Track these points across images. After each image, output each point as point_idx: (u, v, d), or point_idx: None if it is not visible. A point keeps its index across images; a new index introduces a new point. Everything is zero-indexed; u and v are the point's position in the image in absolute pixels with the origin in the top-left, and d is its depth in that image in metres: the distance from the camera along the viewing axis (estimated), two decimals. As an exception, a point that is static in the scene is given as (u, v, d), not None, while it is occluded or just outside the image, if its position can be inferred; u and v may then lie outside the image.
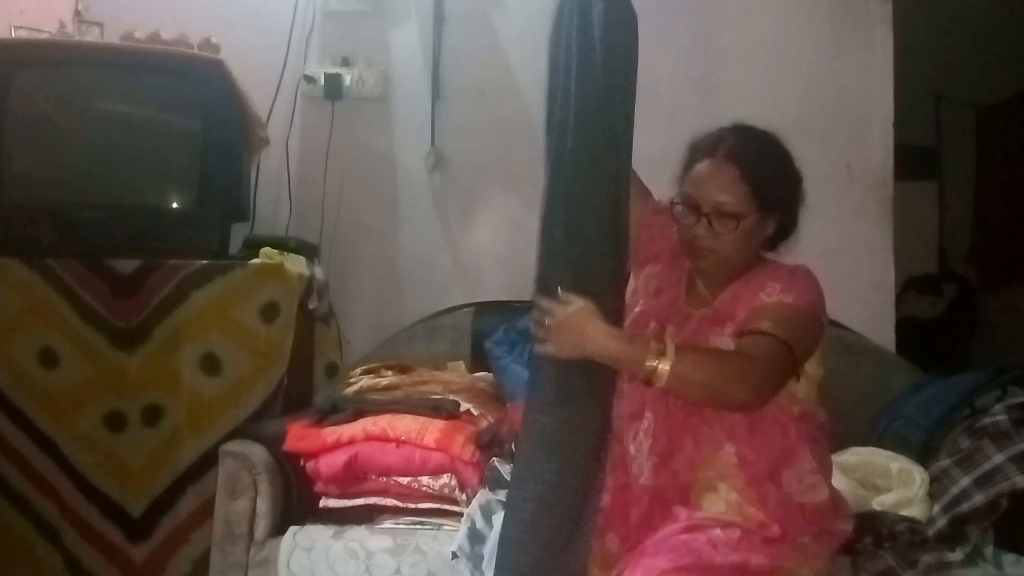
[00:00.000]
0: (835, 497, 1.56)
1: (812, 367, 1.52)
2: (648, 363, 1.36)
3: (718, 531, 1.44)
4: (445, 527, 1.84)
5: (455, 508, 1.87)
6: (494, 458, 1.83)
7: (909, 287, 3.90)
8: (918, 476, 1.88)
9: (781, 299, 1.47)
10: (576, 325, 1.39)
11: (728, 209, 1.49)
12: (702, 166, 1.54)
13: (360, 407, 2.02)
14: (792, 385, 1.48)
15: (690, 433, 1.51)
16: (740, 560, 1.41)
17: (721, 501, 1.49)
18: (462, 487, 1.88)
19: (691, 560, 1.38)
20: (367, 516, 1.92)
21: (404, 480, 1.89)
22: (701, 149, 1.56)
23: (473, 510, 1.77)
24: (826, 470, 1.55)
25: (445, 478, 1.88)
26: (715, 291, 1.57)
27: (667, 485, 1.51)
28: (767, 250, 1.60)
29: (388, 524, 1.90)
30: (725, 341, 1.49)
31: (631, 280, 1.63)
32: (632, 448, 1.54)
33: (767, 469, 1.48)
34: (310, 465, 1.93)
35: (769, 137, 1.58)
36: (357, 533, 1.83)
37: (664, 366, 1.35)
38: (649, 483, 1.52)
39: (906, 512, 1.81)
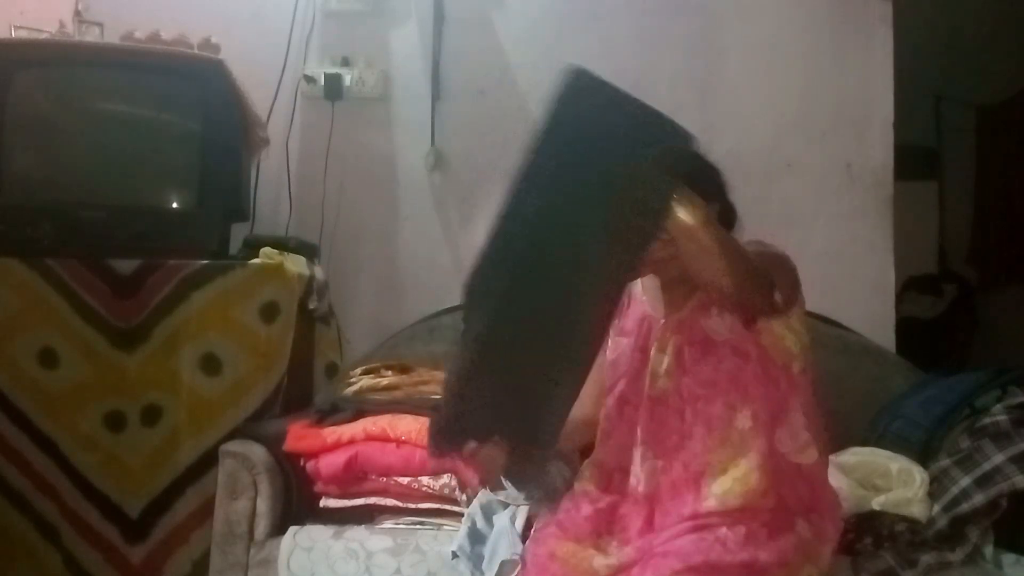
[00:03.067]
0: (824, 476, 1.59)
1: (796, 324, 1.56)
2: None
3: (724, 530, 1.45)
4: (445, 527, 1.84)
5: (455, 508, 1.87)
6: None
7: (909, 287, 3.90)
8: (918, 476, 1.88)
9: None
10: None
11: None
12: None
13: (360, 407, 2.02)
14: (784, 341, 1.54)
15: (700, 419, 1.54)
16: (749, 558, 1.42)
17: (729, 479, 1.50)
18: (462, 487, 1.87)
19: (701, 559, 1.40)
20: (367, 516, 1.92)
21: (404, 480, 1.89)
22: None
23: (474, 510, 1.77)
24: (816, 431, 1.57)
25: (445, 478, 1.88)
26: (687, 299, 1.61)
27: (677, 479, 1.53)
28: None
29: (388, 524, 1.90)
30: (714, 321, 1.55)
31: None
32: (635, 468, 1.58)
33: (771, 423, 1.53)
34: (310, 465, 1.93)
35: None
36: (357, 533, 1.83)
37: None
38: (646, 491, 1.55)
39: (906, 512, 1.81)
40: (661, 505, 1.53)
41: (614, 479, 1.62)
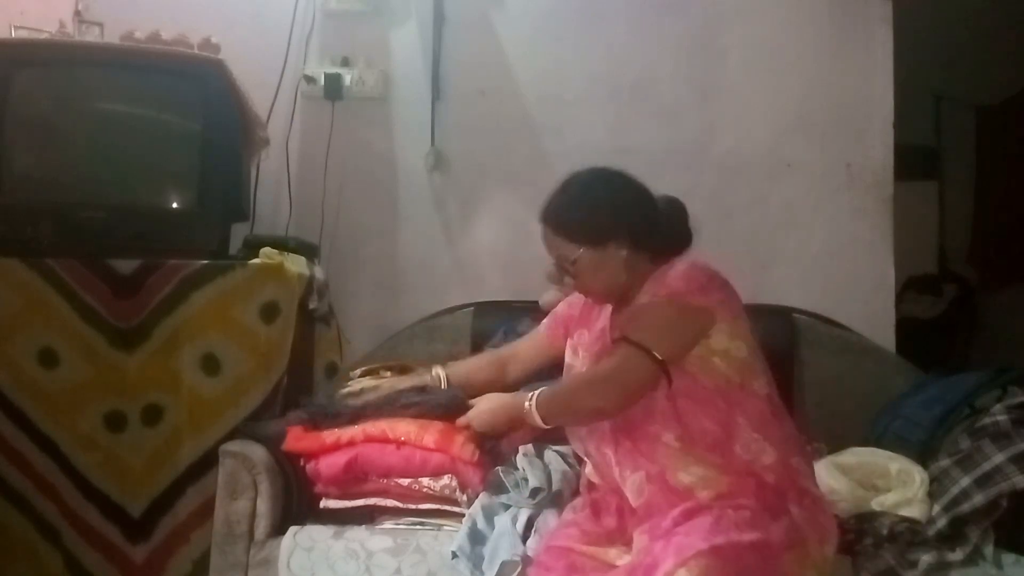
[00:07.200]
0: (790, 468, 1.58)
1: (722, 342, 1.57)
2: (525, 408, 1.64)
3: (731, 512, 1.47)
4: (445, 527, 1.84)
5: (455, 509, 1.86)
6: (498, 468, 1.83)
7: (909, 287, 3.91)
8: (917, 476, 1.88)
9: (640, 302, 1.60)
10: (485, 412, 1.77)
11: (563, 259, 1.66)
12: None
13: (359, 411, 1.99)
14: (708, 363, 1.56)
15: (637, 436, 1.58)
16: (761, 537, 1.44)
17: (694, 476, 1.53)
18: (463, 488, 1.87)
19: (723, 540, 1.41)
20: (367, 516, 1.92)
21: (404, 481, 1.89)
22: None
23: (475, 510, 1.77)
24: (770, 437, 1.57)
25: (446, 479, 1.87)
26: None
27: (650, 492, 1.56)
28: (665, 259, 1.66)
29: (388, 524, 1.89)
30: None
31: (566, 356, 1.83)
32: (620, 482, 1.61)
33: (712, 442, 1.54)
34: (310, 466, 1.92)
35: (575, 180, 1.68)
36: (357, 533, 1.83)
37: (531, 406, 1.62)
38: (640, 502, 1.58)
39: (906, 512, 1.81)
40: (655, 504, 1.55)
41: (612, 504, 1.64)
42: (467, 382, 1.95)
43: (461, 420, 1.79)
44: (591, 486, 1.70)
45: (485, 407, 1.78)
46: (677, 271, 1.60)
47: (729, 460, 1.54)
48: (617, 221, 1.63)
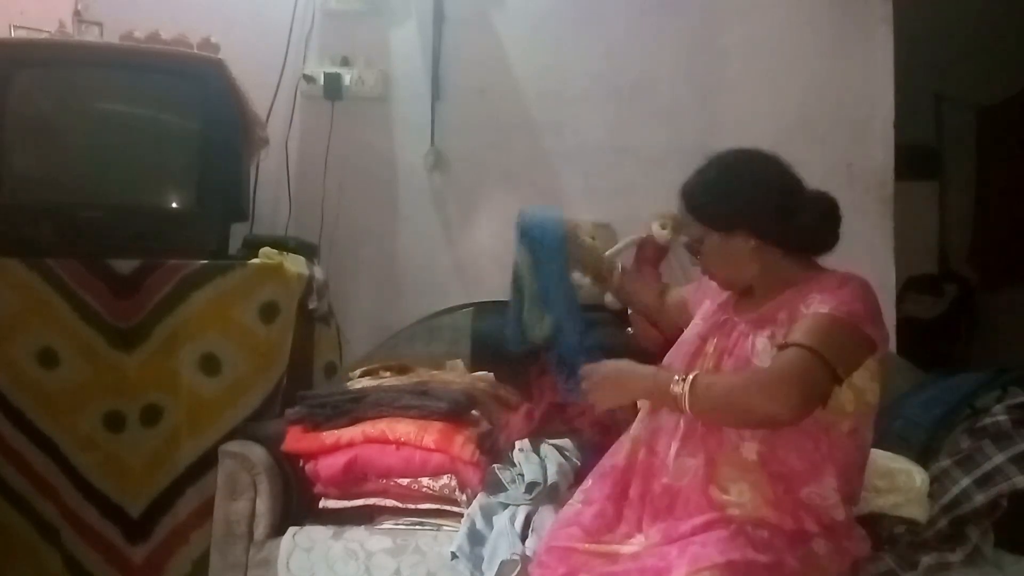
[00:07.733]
0: (851, 519, 1.55)
1: (863, 380, 1.51)
2: (672, 390, 1.48)
3: (750, 528, 1.44)
4: (445, 527, 1.84)
5: (455, 509, 1.86)
6: (494, 465, 1.83)
7: (909, 287, 3.90)
8: (918, 477, 1.87)
9: (817, 310, 1.49)
10: (613, 378, 1.59)
11: (692, 238, 1.66)
12: None
13: (356, 400, 1.99)
14: (839, 397, 1.48)
15: (714, 430, 1.52)
16: (776, 559, 1.42)
17: (736, 496, 1.49)
18: (462, 487, 1.87)
19: (738, 556, 1.38)
20: (367, 516, 1.92)
21: (404, 481, 1.89)
22: None
23: (474, 510, 1.77)
24: (849, 494, 1.54)
25: (445, 479, 1.88)
26: (765, 299, 1.61)
27: (689, 484, 1.52)
28: (800, 258, 1.63)
29: (388, 524, 1.89)
30: (762, 342, 1.53)
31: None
32: (668, 458, 1.56)
33: (788, 473, 1.49)
34: (309, 467, 1.93)
35: (717, 160, 1.63)
36: (357, 533, 1.83)
37: (684, 390, 1.46)
38: (670, 482, 1.54)
39: (906, 513, 1.80)
40: (683, 496, 1.51)
41: (639, 455, 1.59)
42: (636, 293, 1.99)
43: (586, 373, 1.61)
44: (607, 472, 1.64)
45: (613, 377, 1.59)
46: (855, 290, 1.52)
47: (787, 498, 1.48)
48: (747, 210, 1.57)
